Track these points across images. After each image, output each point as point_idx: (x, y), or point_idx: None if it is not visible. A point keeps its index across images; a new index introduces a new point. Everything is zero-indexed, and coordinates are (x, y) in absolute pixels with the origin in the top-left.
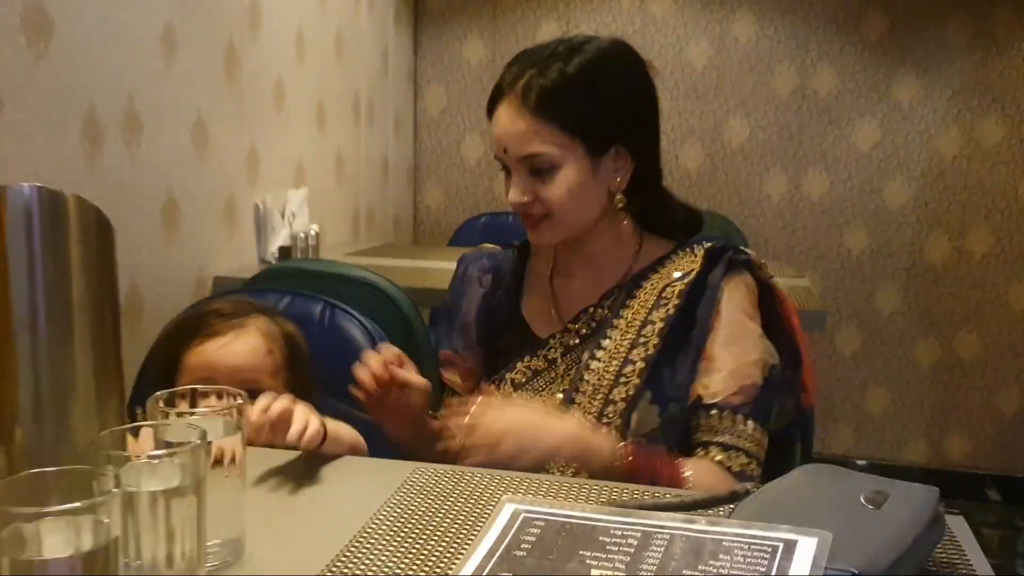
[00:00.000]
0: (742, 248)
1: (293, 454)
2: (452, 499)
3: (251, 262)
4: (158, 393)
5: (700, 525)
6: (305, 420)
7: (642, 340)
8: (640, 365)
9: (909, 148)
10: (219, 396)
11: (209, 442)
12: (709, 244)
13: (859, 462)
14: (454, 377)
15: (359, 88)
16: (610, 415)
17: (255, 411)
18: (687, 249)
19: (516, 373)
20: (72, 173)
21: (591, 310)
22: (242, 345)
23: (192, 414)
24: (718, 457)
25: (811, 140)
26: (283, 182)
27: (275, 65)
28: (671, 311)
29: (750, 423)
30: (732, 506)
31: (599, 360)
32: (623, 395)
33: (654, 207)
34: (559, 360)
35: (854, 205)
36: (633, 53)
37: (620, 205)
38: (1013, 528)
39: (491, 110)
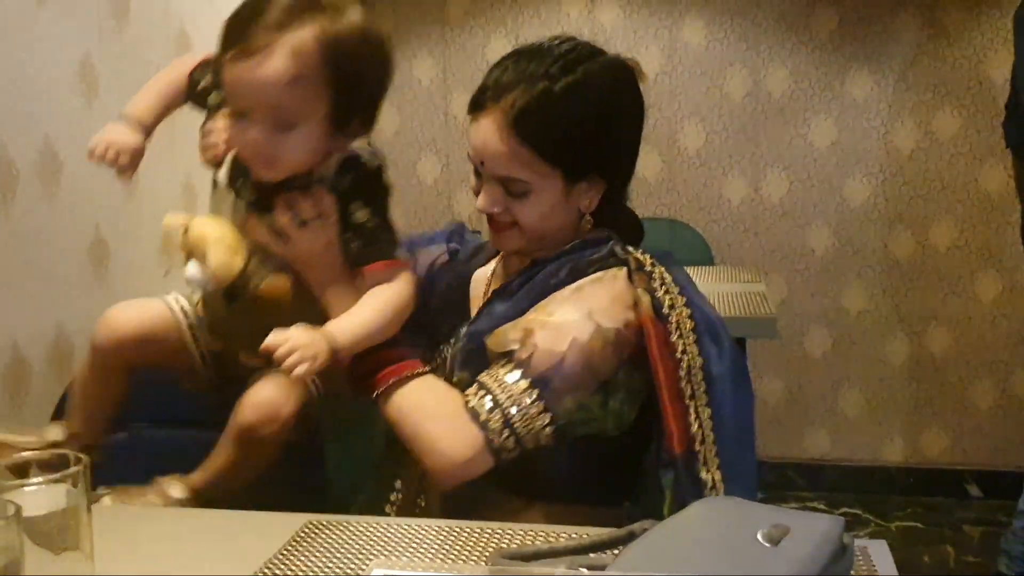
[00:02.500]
0: (630, 249)
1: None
2: (333, 558)
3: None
4: None
5: None
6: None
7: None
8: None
9: (867, 144)
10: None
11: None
12: (625, 254)
13: (837, 464)
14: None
15: None
16: (453, 369)
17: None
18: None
19: (434, 361)
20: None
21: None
22: (264, 73)
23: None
24: (470, 391)
25: (768, 142)
26: None
27: None
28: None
29: (520, 380)
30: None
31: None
32: (459, 350)
33: (611, 216)
34: None
35: (815, 205)
36: (629, 74)
37: (588, 226)
38: (995, 524)
39: (472, 112)
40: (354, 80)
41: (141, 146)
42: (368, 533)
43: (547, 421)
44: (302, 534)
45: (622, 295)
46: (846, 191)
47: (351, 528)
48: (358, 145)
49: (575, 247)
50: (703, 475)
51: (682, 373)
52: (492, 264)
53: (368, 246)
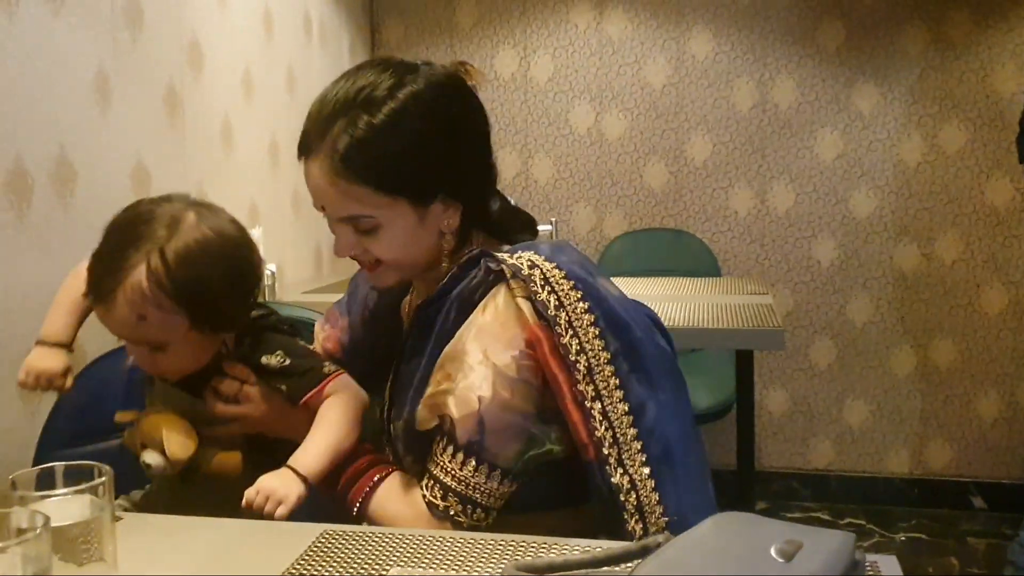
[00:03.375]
0: (504, 256)
1: (182, 523)
2: (349, 568)
3: None
4: (17, 474)
5: None
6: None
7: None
8: (387, 386)
9: (872, 157)
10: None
11: (61, 526)
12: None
13: (842, 475)
14: (327, 329)
15: None
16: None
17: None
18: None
19: (383, 401)
20: None
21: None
22: (113, 320)
23: (49, 496)
24: (423, 484)
25: (774, 154)
26: None
27: (221, 105)
28: (407, 326)
29: (453, 455)
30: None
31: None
32: (381, 408)
33: (484, 224)
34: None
35: (821, 217)
36: (457, 83)
37: (448, 247)
38: (1000, 536)
39: (300, 155)
40: (201, 293)
41: (68, 364)
42: (384, 543)
43: (499, 478)
44: (318, 544)
45: (507, 316)
46: (852, 203)
47: (367, 538)
48: None
49: (452, 278)
50: (615, 479)
51: (579, 375)
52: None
53: (296, 382)
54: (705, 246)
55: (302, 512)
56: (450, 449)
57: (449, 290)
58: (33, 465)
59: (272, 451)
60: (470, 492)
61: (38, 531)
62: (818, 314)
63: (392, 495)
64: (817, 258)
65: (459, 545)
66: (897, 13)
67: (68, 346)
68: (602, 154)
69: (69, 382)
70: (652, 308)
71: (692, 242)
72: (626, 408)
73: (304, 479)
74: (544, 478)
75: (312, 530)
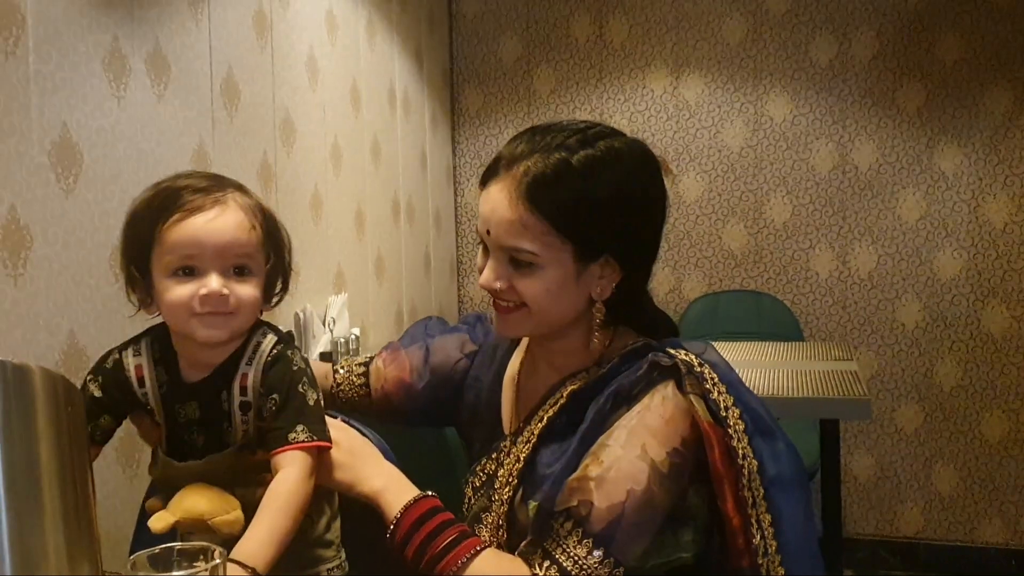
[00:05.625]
0: (672, 351)
1: None
2: None
3: None
4: (134, 556)
5: None
6: None
7: (526, 437)
8: (519, 466)
9: (957, 218)
10: (199, 554)
11: None
12: (668, 352)
13: (931, 543)
14: (385, 368)
15: (398, 190)
16: (496, 511)
17: None
18: (634, 358)
19: (475, 477)
20: (103, 302)
21: (536, 410)
22: (227, 220)
23: None
24: (536, 562)
25: (855, 215)
26: (323, 289)
27: (311, 176)
28: (555, 408)
29: (580, 540)
30: None
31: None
32: (507, 494)
33: (631, 309)
34: (504, 462)
35: (905, 278)
36: (649, 159)
37: (599, 316)
38: None
39: (484, 182)
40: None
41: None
42: None
43: (619, 574)
44: None
45: (675, 414)
46: (936, 265)
47: None
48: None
49: (612, 369)
50: None
51: (744, 481)
52: (517, 360)
53: (270, 434)
54: (786, 308)
55: None
56: (578, 534)
57: (607, 380)
58: (135, 532)
59: None
60: None
61: None
62: (903, 377)
63: (493, 565)
64: (901, 320)
65: None
66: (980, 73)
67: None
68: (680, 215)
69: None
70: None
71: (773, 304)
72: (770, 520)
73: (252, 570)
74: None
75: None
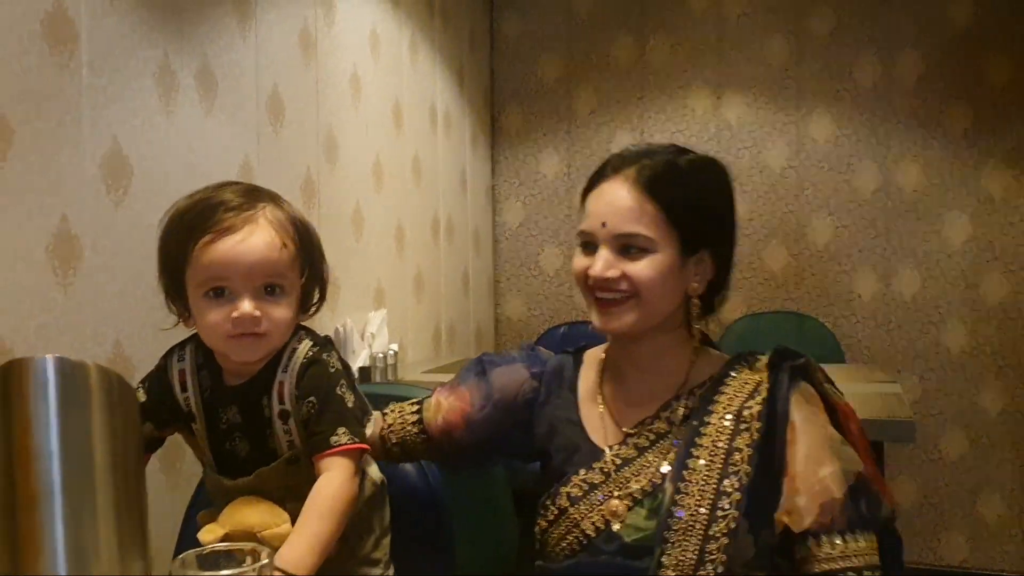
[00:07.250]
0: (796, 351)
1: None
2: None
3: None
4: (183, 555)
5: None
6: None
7: (732, 470)
8: (736, 496)
9: (1004, 241)
10: (247, 554)
11: None
12: (766, 354)
13: (978, 573)
14: (444, 401)
15: (438, 208)
16: (712, 552)
17: None
18: (742, 363)
19: (572, 487)
20: (148, 313)
21: (649, 421)
22: (257, 240)
23: None
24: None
25: (899, 237)
26: (363, 305)
27: (353, 192)
28: (755, 436)
29: (857, 536)
30: None
31: (687, 495)
32: (724, 529)
33: (708, 308)
34: (613, 473)
35: (950, 302)
36: (726, 169)
37: (696, 311)
38: None
39: (589, 189)
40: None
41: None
42: None
43: (871, 535)
44: None
45: (818, 403)
46: (983, 288)
47: None
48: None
49: (728, 364)
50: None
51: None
52: (590, 377)
53: (310, 440)
54: (827, 330)
55: None
56: (839, 533)
57: (721, 379)
58: (177, 542)
59: None
60: (874, 556)
61: None
62: (948, 403)
63: None
64: (946, 344)
65: None
66: None
67: None
68: None
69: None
70: None
71: (814, 326)
72: None
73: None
74: None
75: None
